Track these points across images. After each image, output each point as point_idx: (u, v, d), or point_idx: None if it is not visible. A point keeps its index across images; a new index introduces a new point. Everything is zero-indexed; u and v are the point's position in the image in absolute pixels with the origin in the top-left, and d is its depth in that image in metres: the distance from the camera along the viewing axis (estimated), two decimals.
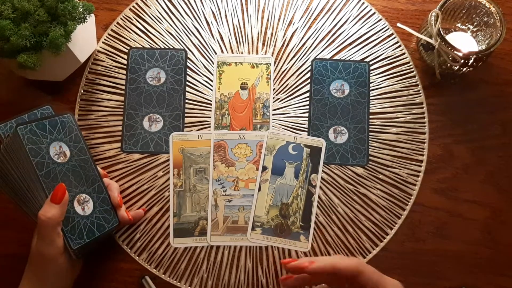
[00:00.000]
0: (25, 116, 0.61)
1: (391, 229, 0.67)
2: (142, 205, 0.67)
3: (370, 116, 0.70)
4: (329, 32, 0.72)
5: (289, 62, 0.71)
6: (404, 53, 0.71)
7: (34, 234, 0.58)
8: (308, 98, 0.70)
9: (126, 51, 0.71)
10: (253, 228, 0.66)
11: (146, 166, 0.68)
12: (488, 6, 0.65)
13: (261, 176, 0.68)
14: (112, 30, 0.72)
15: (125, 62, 0.71)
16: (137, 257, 0.66)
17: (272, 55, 0.71)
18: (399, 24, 0.70)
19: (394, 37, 0.72)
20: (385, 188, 0.68)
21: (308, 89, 0.70)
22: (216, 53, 0.71)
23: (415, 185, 0.68)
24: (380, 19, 0.72)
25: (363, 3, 0.73)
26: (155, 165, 0.68)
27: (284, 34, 0.72)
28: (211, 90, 0.70)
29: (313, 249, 0.66)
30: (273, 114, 0.70)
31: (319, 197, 0.67)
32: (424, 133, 0.69)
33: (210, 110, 0.70)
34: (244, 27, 0.72)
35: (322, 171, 0.68)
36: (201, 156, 0.68)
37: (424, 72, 0.71)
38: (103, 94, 0.70)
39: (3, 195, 0.59)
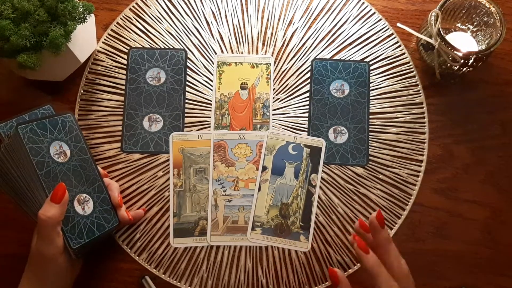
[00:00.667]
0: (26, 115, 0.61)
1: (391, 229, 0.67)
2: (142, 205, 0.67)
3: (370, 116, 0.70)
4: (329, 32, 0.72)
5: (289, 62, 0.71)
6: (404, 53, 0.71)
7: (34, 234, 0.58)
8: (308, 98, 0.70)
9: (126, 51, 0.71)
10: (253, 228, 0.66)
11: (146, 166, 0.68)
12: (488, 6, 0.65)
13: (261, 176, 0.68)
14: (112, 30, 0.72)
15: (125, 62, 0.71)
16: (137, 257, 0.66)
17: (272, 55, 0.71)
18: (399, 24, 0.70)
19: (394, 37, 0.72)
20: (385, 188, 0.68)
21: (308, 89, 0.70)
22: (216, 53, 0.71)
23: (415, 185, 0.68)
24: (380, 19, 0.72)
25: (363, 3, 0.73)
26: (155, 165, 0.68)
27: (284, 34, 0.72)
28: (211, 90, 0.70)
29: (313, 249, 0.66)
30: (273, 114, 0.70)
31: (319, 197, 0.67)
32: (424, 133, 0.69)
33: (210, 110, 0.70)
34: (244, 27, 0.72)
35: (322, 171, 0.68)
36: (201, 156, 0.68)
37: (424, 72, 0.71)
38: (103, 94, 0.70)
39: (3, 194, 0.59)
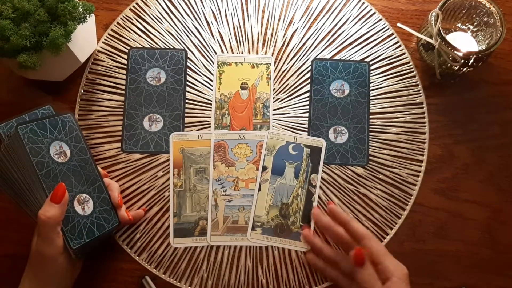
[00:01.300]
0: (26, 115, 0.61)
1: (391, 229, 0.67)
2: (142, 205, 0.67)
3: (370, 116, 0.70)
4: (329, 32, 0.72)
5: (289, 62, 0.71)
6: (404, 53, 0.71)
7: (34, 234, 0.57)
8: (308, 98, 0.70)
9: (126, 51, 0.71)
10: (253, 228, 0.66)
11: (146, 166, 0.68)
12: (488, 6, 0.65)
13: (261, 176, 0.68)
14: (112, 30, 0.72)
15: (125, 62, 0.71)
16: (137, 257, 0.66)
17: (272, 55, 0.71)
18: (399, 24, 0.70)
19: (394, 37, 0.72)
20: (385, 188, 0.68)
21: (308, 89, 0.70)
22: (216, 53, 0.71)
23: (415, 185, 0.68)
24: (380, 19, 0.72)
25: (363, 3, 0.73)
26: (155, 165, 0.68)
27: (284, 34, 0.72)
28: (211, 90, 0.70)
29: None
30: (273, 114, 0.70)
31: (319, 197, 0.67)
32: (424, 133, 0.69)
33: (210, 110, 0.70)
34: (244, 27, 0.72)
35: (322, 171, 0.68)
36: (201, 156, 0.68)
37: (424, 72, 0.71)
38: (103, 94, 0.70)
39: (3, 194, 0.59)
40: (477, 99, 0.70)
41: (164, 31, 0.72)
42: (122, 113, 0.69)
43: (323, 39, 0.72)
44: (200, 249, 0.66)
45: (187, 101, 0.70)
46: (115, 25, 0.72)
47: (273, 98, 0.70)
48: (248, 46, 0.72)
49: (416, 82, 0.70)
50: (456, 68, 0.66)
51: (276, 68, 0.71)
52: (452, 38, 0.69)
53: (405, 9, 0.73)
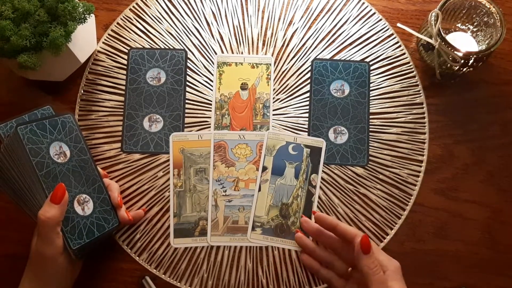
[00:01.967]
0: (26, 116, 0.61)
1: (391, 229, 0.67)
2: (142, 205, 0.67)
3: (370, 116, 0.70)
4: (329, 32, 0.72)
5: (289, 62, 0.71)
6: (404, 53, 0.71)
7: (34, 234, 0.58)
8: (308, 98, 0.70)
9: (126, 51, 0.71)
10: (253, 228, 0.66)
11: (146, 166, 0.68)
12: (488, 6, 0.65)
13: (261, 176, 0.68)
14: (112, 30, 0.72)
15: (125, 62, 0.71)
16: (137, 257, 0.66)
17: (272, 55, 0.71)
18: (399, 24, 0.70)
19: (394, 37, 0.72)
20: (385, 188, 0.68)
21: (308, 89, 0.70)
22: (216, 53, 0.71)
23: (415, 185, 0.68)
24: (380, 19, 0.72)
25: (363, 3, 0.73)
26: (155, 165, 0.68)
27: (284, 34, 0.72)
28: (211, 90, 0.70)
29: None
30: (273, 114, 0.70)
31: (319, 197, 0.67)
32: (424, 133, 0.69)
33: (210, 110, 0.70)
34: (244, 27, 0.72)
35: (322, 171, 0.68)
36: (201, 156, 0.68)
37: (424, 72, 0.71)
38: (103, 94, 0.70)
39: (3, 195, 0.59)
40: (477, 99, 0.70)
41: (164, 32, 0.72)
42: (122, 113, 0.69)
43: (323, 39, 0.72)
44: (200, 249, 0.66)
45: (187, 101, 0.70)
46: (115, 26, 0.72)
47: (273, 98, 0.70)
48: (248, 46, 0.72)
49: (416, 82, 0.70)
50: (456, 68, 0.66)
51: (276, 68, 0.71)
52: (452, 38, 0.69)
53: (405, 9, 0.73)
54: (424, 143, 0.69)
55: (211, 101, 0.70)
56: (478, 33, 0.68)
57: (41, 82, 0.69)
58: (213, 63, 0.71)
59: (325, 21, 0.72)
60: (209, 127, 0.69)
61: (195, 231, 0.66)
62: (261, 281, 0.65)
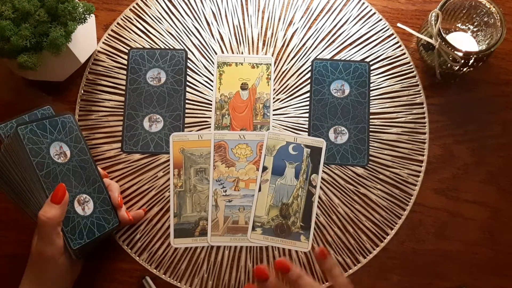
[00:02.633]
0: (26, 116, 0.61)
1: (392, 229, 0.67)
2: (143, 205, 0.67)
3: (371, 116, 0.70)
4: (329, 32, 0.72)
5: (289, 62, 0.71)
6: (404, 53, 0.71)
7: (34, 234, 0.58)
8: (308, 98, 0.70)
9: (126, 51, 0.71)
10: (254, 228, 0.66)
11: (147, 166, 0.68)
12: (488, 6, 0.65)
13: (261, 176, 0.68)
14: (112, 30, 0.72)
15: (125, 62, 0.71)
16: (138, 258, 0.66)
17: (272, 55, 0.71)
18: (399, 24, 0.70)
19: (394, 37, 0.72)
20: (386, 188, 0.68)
21: (308, 89, 0.70)
22: (216, 53, 0.71)
23: (415, 185, 0.68)
24: (380, 19, 0.72)
25: (363, 3, 0.73)
26: (156, 165, 0.68)
27: (284, 34, 0.72)
28: (212, 90, 0.70)
29: (313, 249, 0.66)
30: (274, 114, 0.70)
31: (319, 197, 0.67)
32: (425, 133, 0.69)
33: (211, 110, 0.70)
34: (244, 27, 0.72)
35: (323, 171, 0.68)
36: (202, 157, 0.68)
37: (424, 72, 0.71)
38: (104, 94, 0.70)
39: (3, 195, 0.59)
40: (477, 99, 0.70)
41: (164, 32, 0.72)
42: (122, 113, 0.69)
43: (323, 39, 0.72)
44: (200, 250, 0.66)
45: (187, 101, 0.70)
46: (115, 26, 0.72)
47: (273, 98, 0.70)
48: (248, 46, 0.72)
49: (416, 82, 0.70)
50: (456, 68, 0.66)
51: (276, 68, 0.71)
52: (452, 38, 0.69)
53: (405, 9, 0.73)
54: (424, 143, 0.69)
55: (211, 101, 0.70)
56: (478, 33, 0.68)
57: (41, 82, 0.69)
58: (213, 63, 0.71)
59: (325, 21, 0.72)
60: (209, 127, 0.69)
61: (195, 231, 0.66)
62: None
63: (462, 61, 0.64)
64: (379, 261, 0.66)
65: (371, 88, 0.70)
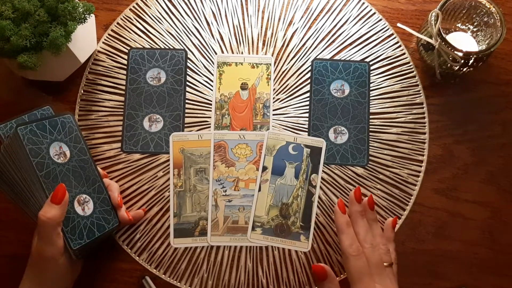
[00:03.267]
0: (25, 116, 0.61)
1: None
2: (142, 205, 0.67)
3: (370, 116, 0.70)
4: (329, 32, 0.72)
5: (289, 62, 0.71)
6: (404, 53, 0.71)
7: (34, 235, 0.58)
8: (308, 98, 0.70)
9: (126, 51, 0.71)
10: (253, 228, 0.66)
11: (146, 166, 0.68)
12: (488, 6, 0.65)
13: (261, 176, 0.68)
14: (112, 30, 0.72)
15: (125, 62, 0.71)
16: (137, 257, 0.66)
17: (272, 55, 0.71)
18: (399, 24, 0.70)
19: (394, 37, 0.72)
20: (385, 188, 0.68)
21: (308, 89, 0.70)
22: (216, 53, 0.71)
23: (415, 185, 0.68)
24: (380, 19, 0.72)
25: (363, 3, 0.73)
26: (155, 165, 0.68)
27: (284, 34, 0.72)
28: (211, 90, 0.70)
29: (313, 250, 0.66)
30: (273, 114, 0.70)
31: (319, 197, 0.67)
32: (424, 133, 0.69)
33: (210, 110, 0.70)
34: (244, 27, 0.72)
35: (322, 171, 0.68)
36: (201, 156, 0.68)
37: (424, 72, 0.71)
38: (103, 94, 0.70)
39: (3, 195, 0.59)
40: (477, 99, 0.70)
41: (164, 31, 0.72)
42: (122, 113, 0.69)
43: (323, 39, 0.72)
44: (200, 249, 0.66)
45: (187, 101, 0.70)
46: (115, 25, 0.72)
47: (273, 98, 0.70)
48: (248, 46, 0.72)
49: (416, 82, 0.70)
50: (456, 68, 0.66)
51: (276, 68, 0.71)
52: (452, 38, 0.69)
53: (405, 9, 0.73)
54: (424, 143, 0.69)
55: (211, 101, 0.70)
56: (478, 33, 0.68)
57: (41, 82, 0.69)
58: (213, 63, 0.71)
59: (325, 21, 0.72)
60: (209, 127, 0.69)
61: (195, 231, 0.66)
62: (261, 281, 0.65)
63: (462, 61, 0.64)
64: None
65: (371, 88, 0.70)
